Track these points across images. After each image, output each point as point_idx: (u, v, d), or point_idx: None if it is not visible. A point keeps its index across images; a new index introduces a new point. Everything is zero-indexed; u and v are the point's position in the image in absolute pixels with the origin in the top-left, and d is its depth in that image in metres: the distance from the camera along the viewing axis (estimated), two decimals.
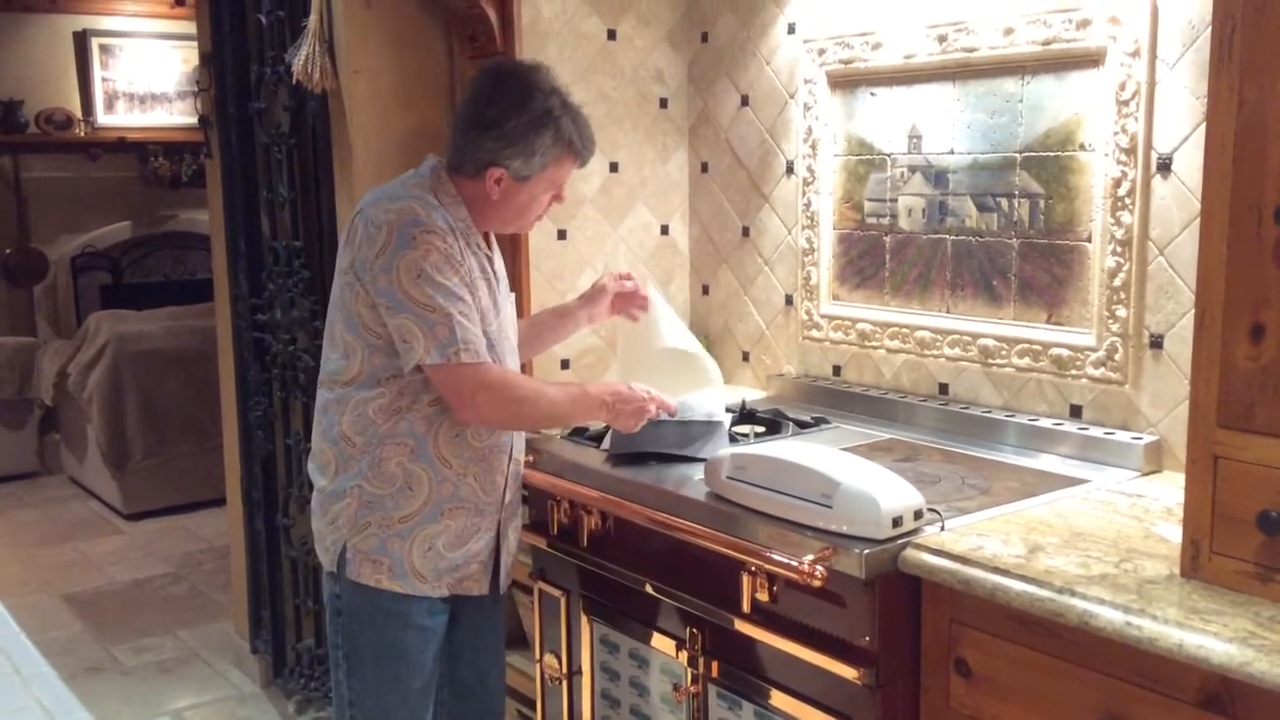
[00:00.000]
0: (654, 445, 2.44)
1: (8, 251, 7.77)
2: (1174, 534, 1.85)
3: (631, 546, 2.40)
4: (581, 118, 2.31)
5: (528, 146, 2.24)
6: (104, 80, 7.99)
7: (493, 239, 2.41)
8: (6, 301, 7.83)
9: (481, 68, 2.40)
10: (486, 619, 2.46)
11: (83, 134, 7.92)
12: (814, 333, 3.01)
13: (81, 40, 7.89)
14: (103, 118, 8.00)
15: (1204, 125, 1.70)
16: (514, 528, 2.44)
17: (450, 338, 2.14)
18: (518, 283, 3.03)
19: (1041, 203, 2.48)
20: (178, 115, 8.17)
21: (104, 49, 7.98)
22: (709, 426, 2.49)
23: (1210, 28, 1.68)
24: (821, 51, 2.87)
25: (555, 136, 2.25)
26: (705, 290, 3.37)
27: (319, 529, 2.33)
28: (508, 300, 2.42)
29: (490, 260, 2.35)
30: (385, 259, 2.15)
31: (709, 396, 2.55)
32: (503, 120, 2.23)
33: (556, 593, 2.61)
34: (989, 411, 2.60)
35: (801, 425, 2.72)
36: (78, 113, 7.93)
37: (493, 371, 2.21)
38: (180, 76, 8.15)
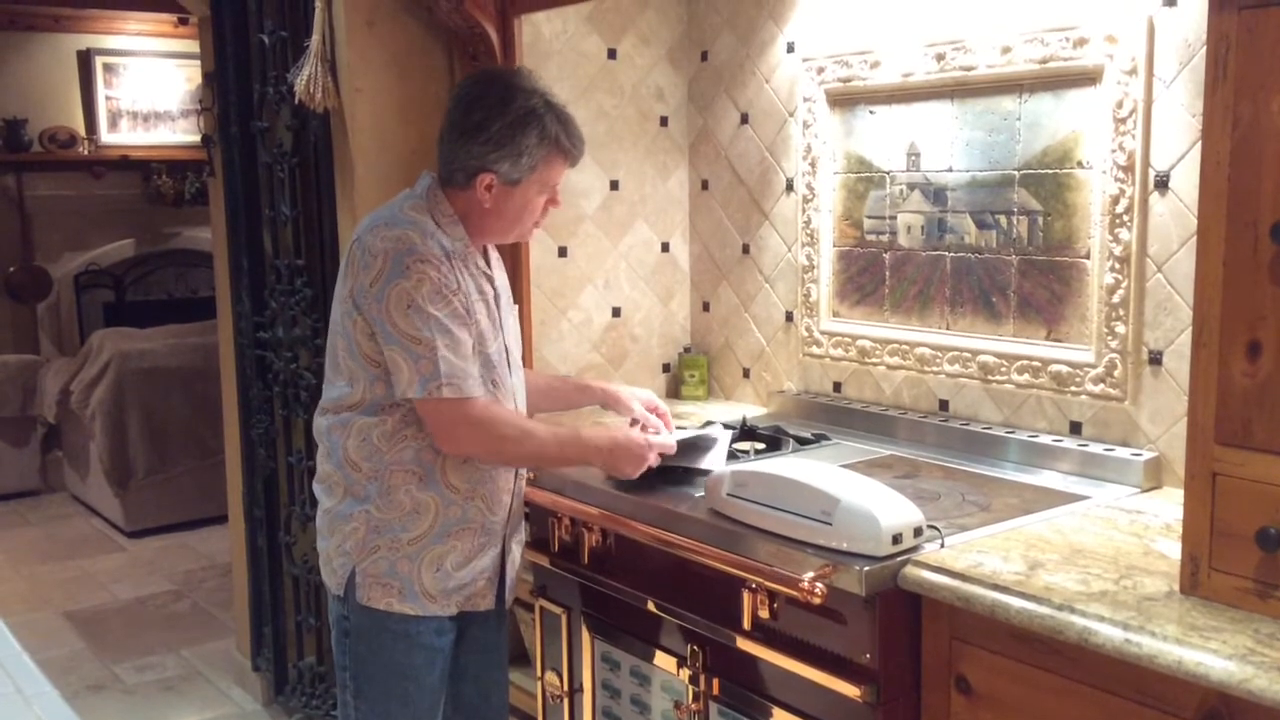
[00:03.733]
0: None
1: (11, 269, 7.79)
2: (1173, 550, 1.85)
3: (632, 564, 2.40)
4: (566, 116, 2.28)
5: (514, 148, 2.21)
6: (108, 99, 8.02)
7: (492, 254, 2.40)
8: (10, 319, 7.84)
9: (463, 77, 2.38)
10: (491, 636, 2.45)
11: (86, 152, 7.95)
12: (814, 349, 3.02)
13: (85, 59, 7.93)
14: (106, 136, 8.03)
15: (1200, 143, 1.71)
16: (518, 540, 2.43)
17: (433, 372, 2.13)
18: (519, 300, 3.04)
19: (1040, 220, 2.49)
20: (181, 134, 8.20)
21: (108, 68, 8.01)
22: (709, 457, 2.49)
23: (1205, 46, 1.69)
24: (820, 70, 2.88)
25: (540, 135, 2.22)
26: (706, 307, 3.38)
27: (325, 551, 2.32)
28: (510, 314, 2.41)
29: (490, 279, 2.34)
30: (379, 287, 2.14)
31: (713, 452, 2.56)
32: (486, 124, 2.20)
33: (558, 610, 2.61)
34: (989, 428, 2.60)
35: (802, 442, 2.72)
36: (81, 131, 7.96)
37: (475, 407, 2.17)
38: (183, 95, 8.19)
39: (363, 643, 2.29)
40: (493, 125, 2.20)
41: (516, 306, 2.49)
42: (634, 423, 2.48)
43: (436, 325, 2.13)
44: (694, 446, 2.47)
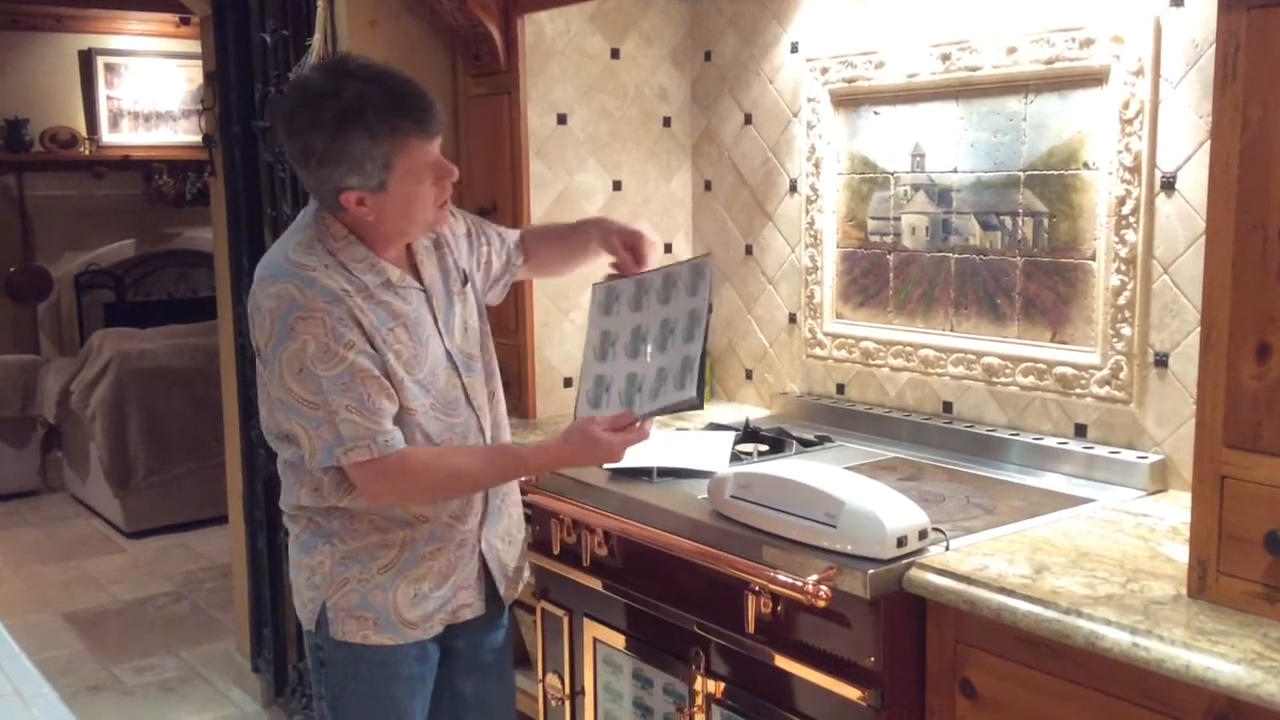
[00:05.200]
0: (654, 461, 2.44)
1: (12, 269, 7.79)
2: (1180, 554, 1.84)
3: (635, 565, 2.39)
4: (391, 87, 1.95)
5: (351, 159, 1.92)
6: (109, 99, 8.02)
7: (422, 242, 2.14)
8: (10, 319, 7.84)
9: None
10: (488, 653, 2.32)
11: (87, 152, 7.95)
12: (817, 351, 3.01)
13: (87, 59, 7.92)
14: (107, 136, 8.02)
15: (1208, 144, 1.70)
16: (499, 534, 2.24)
17: (335, 438, 1.96)
18: (521, 301, 3.03)
19: (1045, 221, 2.48)
20: (182, 134, 8.20)
21: (109, 68, 8.01)
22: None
23: (1213, 47, 1.68)
24: (825, 70, 2.87)
25: (369, 135, 1.91)
26: (709, 308, 3.36)
27: (295, 582, 2.21)
28: (456, 305, 2.16)
29: (419, 285, 2.11)
30: (270, 350, 1.98)
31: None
32: (309, 147, 1.94)
33: (559, 612, 2.60)
34: (993, 430, 2.59)
35: (805, 444, 2.71)
36: (82, 131, 7.96)
37: (389, 464, 1.99)
38: (185, 95, 8.18)
39: (339, 673, 2.17)
40: (316, 146, 1.93)
41: (468, 287, 2.20)
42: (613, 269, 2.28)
43: (332, 384, 1.95)
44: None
